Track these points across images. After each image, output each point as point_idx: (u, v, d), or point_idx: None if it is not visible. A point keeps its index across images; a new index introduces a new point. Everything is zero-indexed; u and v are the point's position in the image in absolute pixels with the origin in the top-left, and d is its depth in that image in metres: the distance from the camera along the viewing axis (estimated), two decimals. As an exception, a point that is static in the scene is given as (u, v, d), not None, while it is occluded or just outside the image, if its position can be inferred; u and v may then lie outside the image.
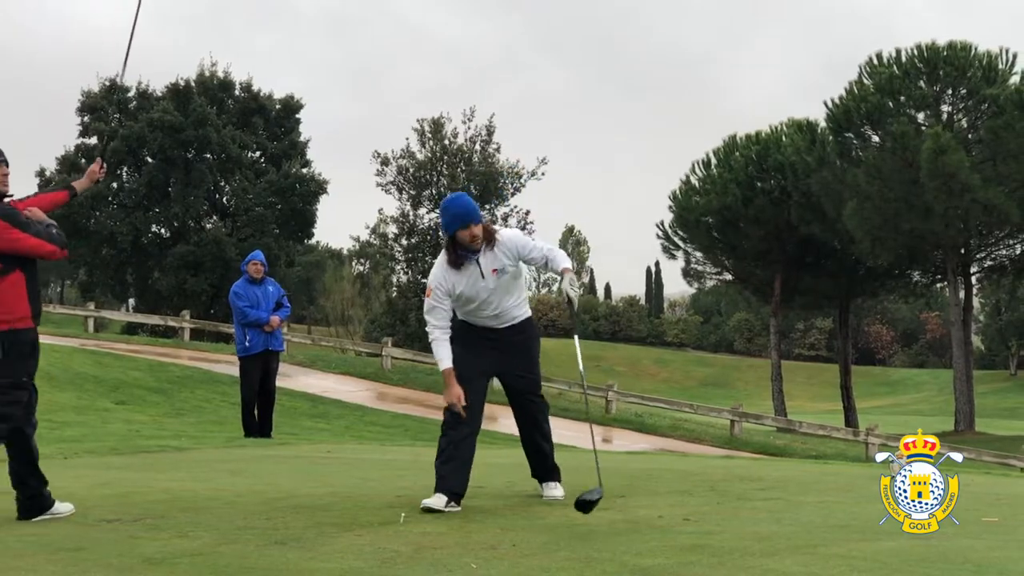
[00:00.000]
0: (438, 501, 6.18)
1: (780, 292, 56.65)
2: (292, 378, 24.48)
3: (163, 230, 55.07)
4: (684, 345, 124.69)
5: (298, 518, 5.96)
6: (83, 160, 54.31)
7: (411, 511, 5.93)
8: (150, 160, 54.36)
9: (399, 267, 51.33)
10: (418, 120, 48.37)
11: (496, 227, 6.52)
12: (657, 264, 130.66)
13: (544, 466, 6.81)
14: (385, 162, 48.00)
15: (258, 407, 13.80)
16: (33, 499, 6.04)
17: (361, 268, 67.46)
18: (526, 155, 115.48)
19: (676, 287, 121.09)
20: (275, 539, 5.33)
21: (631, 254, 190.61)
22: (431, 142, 47.93)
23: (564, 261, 6.39)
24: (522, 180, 47.71)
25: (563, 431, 22.60)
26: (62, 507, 6.12)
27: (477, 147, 47.88)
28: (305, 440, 14.71)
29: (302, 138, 57.95)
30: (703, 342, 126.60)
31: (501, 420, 25.12)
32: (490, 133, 47.97)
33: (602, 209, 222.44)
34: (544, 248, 6.49)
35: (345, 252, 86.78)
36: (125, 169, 55.21)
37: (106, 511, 6.23)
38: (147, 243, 54.26)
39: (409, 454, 11.15)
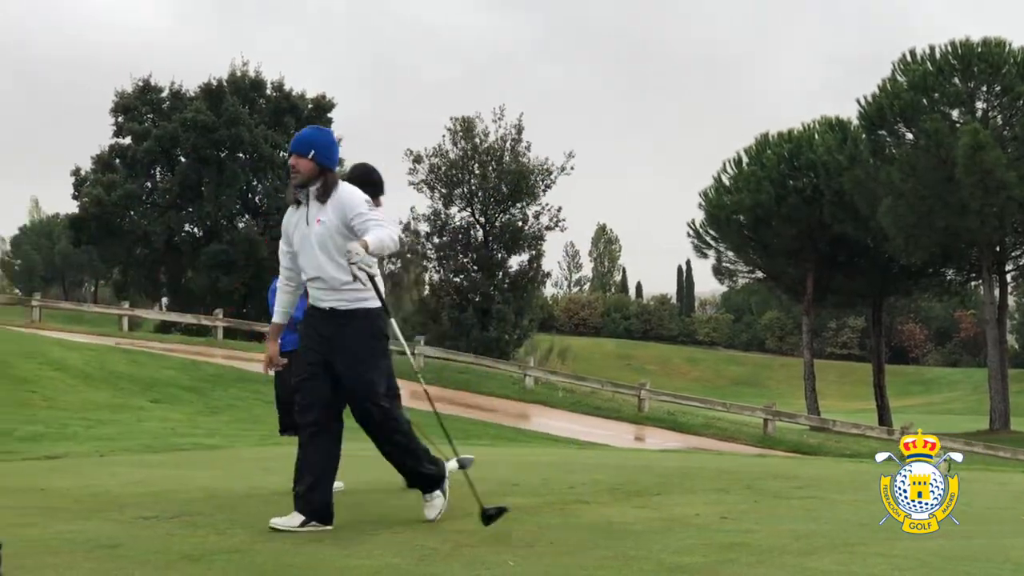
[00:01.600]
0: (290, 521, 5.53)
1: (812, 291, 56.41)
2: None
3: (196, 229, 55.33)
4: (715, 344, 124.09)
5: (335, 515, 5.96)
6: (117, 160, 54.73)
7: (449, 508, 5.91)
8: (183, 160, 54.67)
9: (431, 265, 51.48)
10: (451, 119, 48.53)
11: (345, 183, 5.66)
12: (688, 263, 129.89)
13: (413, 477, 5.98)
14: (418, 160, 48.20)
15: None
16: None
17: (392, 267, 67.55)
18: (555, 152, 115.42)
19: (707, 286, 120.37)
20: (312, 536, 5.34)
21: (662, 253, 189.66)
22: (462, 141, 48.05)
23: (369, 235, 5.30)
24: (552, 177, 47.83)
25: (595, 429, 22.67)
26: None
27: (508, 145, 47.97)
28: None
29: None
30: (734, 341, 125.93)
31: (533, 419, 25.17)
32: (519, 132, 48.09)
33: (634, 207, 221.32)
34: (370, 220, 5.42)
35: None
36: (158, 169, 55.57)
37: (143, 508, 6.26)
38: (180, 242, 54.55)
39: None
